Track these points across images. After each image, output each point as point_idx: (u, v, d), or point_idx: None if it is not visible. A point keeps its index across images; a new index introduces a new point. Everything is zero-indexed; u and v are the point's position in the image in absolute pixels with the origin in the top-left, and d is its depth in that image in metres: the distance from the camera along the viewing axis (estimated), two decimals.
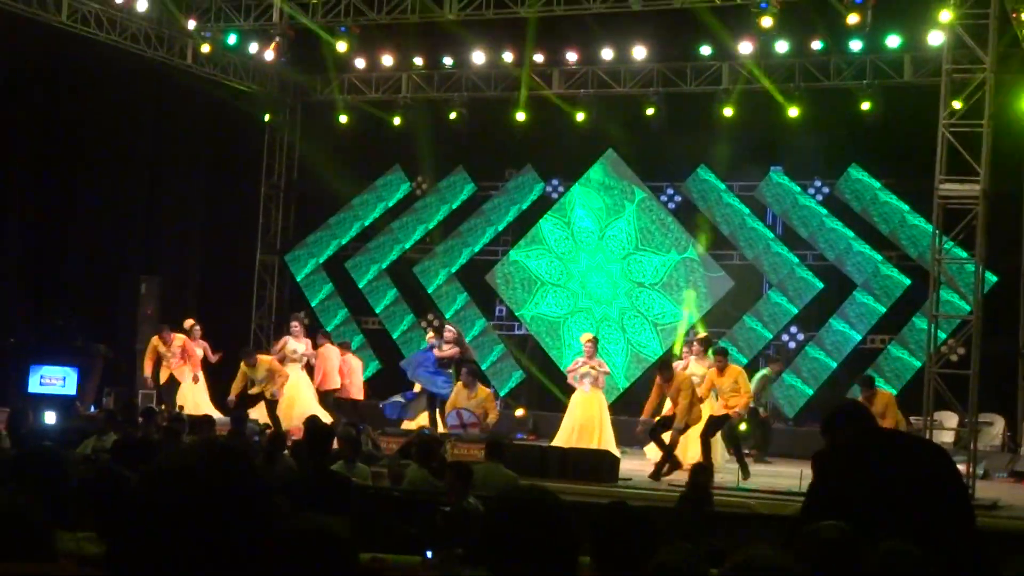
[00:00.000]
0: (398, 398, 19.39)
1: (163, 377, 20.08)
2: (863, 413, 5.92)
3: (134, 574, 2.04)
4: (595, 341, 18.37)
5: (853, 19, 18.74)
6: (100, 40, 20.47)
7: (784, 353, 21.67)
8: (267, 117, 24.54)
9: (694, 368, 17.17)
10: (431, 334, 19.90)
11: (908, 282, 20.88)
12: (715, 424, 16.28)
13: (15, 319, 21.38)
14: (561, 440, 17.24)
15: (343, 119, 23.97)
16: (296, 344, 20.09)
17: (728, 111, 21.41)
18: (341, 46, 21.60)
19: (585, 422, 17.50)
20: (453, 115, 23.13)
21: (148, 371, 20.01)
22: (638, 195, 22.86)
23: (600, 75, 22.40)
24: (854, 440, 5.61)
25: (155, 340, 20.05)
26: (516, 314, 23.57)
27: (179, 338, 20.10)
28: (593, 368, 17.83)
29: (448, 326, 20.19)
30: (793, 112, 20.98)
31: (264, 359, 18.79)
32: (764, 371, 19.33)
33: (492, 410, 17.60)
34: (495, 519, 2.85)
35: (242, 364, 18.59)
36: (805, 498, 5.79)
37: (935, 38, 18.29)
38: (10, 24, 19.18)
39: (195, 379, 20.20)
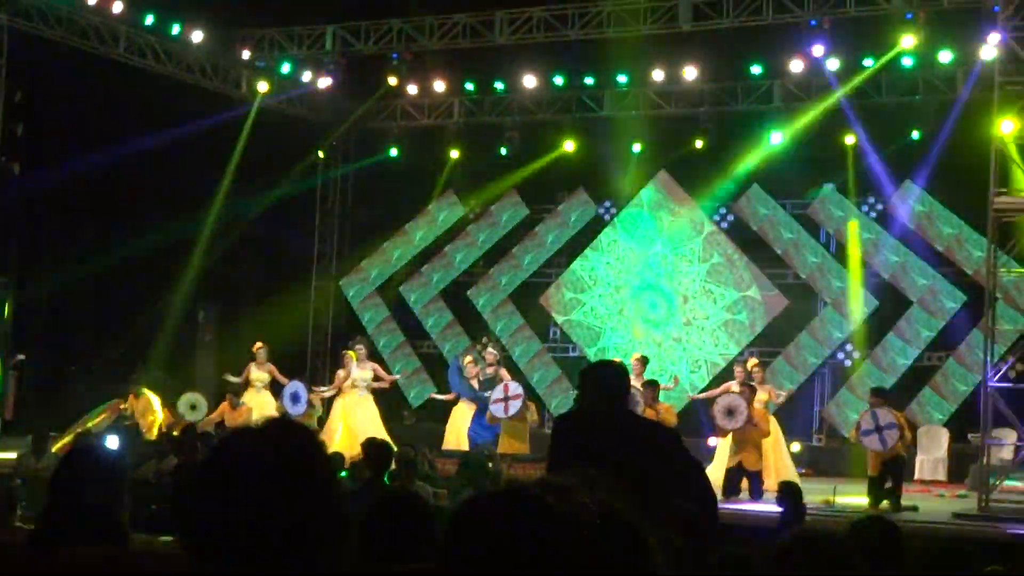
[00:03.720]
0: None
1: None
2: (614, 383, 6.24)
3: (207, 553, 2.06)
4: (643, 360, 18.27)
5: (908, 41, 18.76)
6: (157, 71, 20.83)
7: (840, 372, 21.66)
8: (320, 154, 24.74)
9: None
10: (468, 358, 19.85)
11: (965, 298, 20.66)
12: None
13: (80, 347, 21.66)
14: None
15: (396, 145, 24.21)
16: (359, 372, 19.40)
17: (779, 130, 21.46)
18: (392, 80, 21.96)
19: None
20: (503, 147, 23.36)
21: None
22: (707, 228, 22.70)
23: (651, 96, 22.43)
24: (595, 407, 6.02)
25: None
26: (559, 322, 23.60)
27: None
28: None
29: (490, 348, 20.11)
30: (849, 139, 21.05)
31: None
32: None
33: (534, 413, 18.83)
34: None
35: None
36: (548, 456, 6.34)
37: (988, 52, 18.15)
38: (73, 59, 19.59)
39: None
